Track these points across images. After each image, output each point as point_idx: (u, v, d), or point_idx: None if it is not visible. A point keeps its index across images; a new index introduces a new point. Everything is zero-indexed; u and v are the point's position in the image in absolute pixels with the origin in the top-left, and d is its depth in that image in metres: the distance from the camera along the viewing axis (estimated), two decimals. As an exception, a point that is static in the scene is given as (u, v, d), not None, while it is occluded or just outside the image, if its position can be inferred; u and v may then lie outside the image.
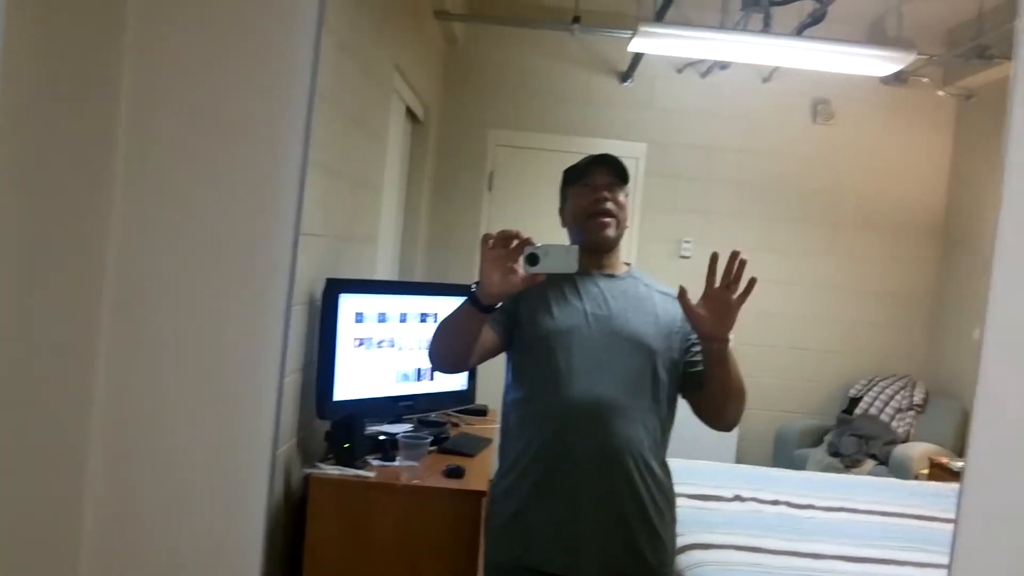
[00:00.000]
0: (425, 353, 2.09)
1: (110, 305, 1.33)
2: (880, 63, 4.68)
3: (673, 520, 2.09)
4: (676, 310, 2.06)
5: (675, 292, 2.09)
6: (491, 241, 1.81)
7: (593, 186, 2.09)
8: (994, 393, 1.08)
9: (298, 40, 1.31)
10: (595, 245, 2.08)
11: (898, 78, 5.26)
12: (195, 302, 1.35)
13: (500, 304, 1.91)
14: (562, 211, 2.19)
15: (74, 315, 1.32)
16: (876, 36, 5.24)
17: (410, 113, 4.59)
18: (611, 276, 2.12)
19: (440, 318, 2.03)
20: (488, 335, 2.01)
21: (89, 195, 1.32)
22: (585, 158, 2.15)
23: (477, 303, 1.87)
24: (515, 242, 1.81)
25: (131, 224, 1.33)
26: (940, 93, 5.44)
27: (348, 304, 2.72)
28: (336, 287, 2.69)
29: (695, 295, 1.98)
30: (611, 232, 2.09)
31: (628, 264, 2.20)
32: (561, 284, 2.05)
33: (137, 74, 1.32)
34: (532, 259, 1.81)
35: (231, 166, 1.33)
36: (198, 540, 1.36)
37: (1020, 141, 1.06)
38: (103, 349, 1.33)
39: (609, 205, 2.07)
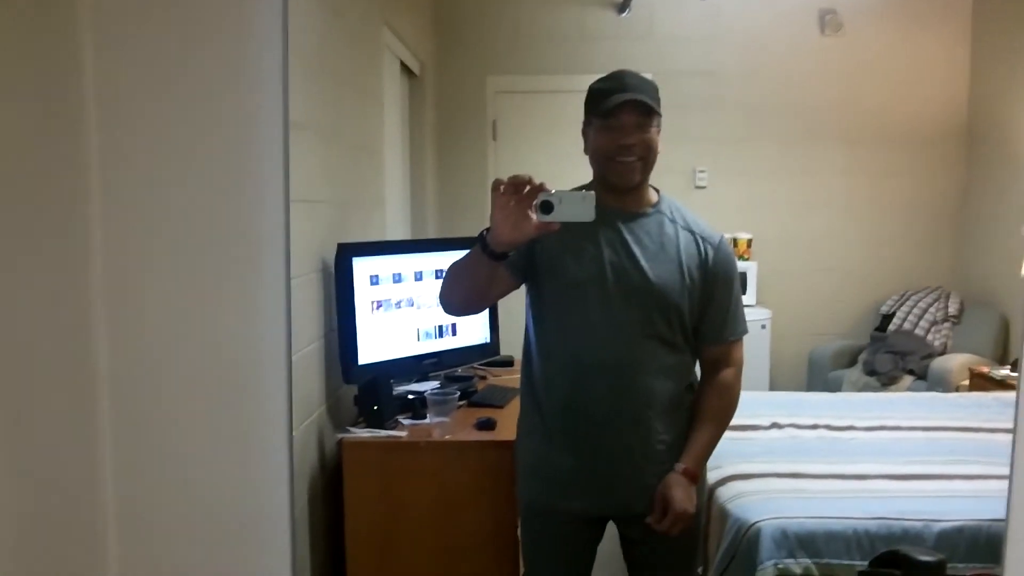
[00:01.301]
0: (437, 298, 2.03)
1: (101, 299, 1.29)
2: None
3: None
4: (701, 253, 1.98)
5: (707, 229, 2.02)
6: (502, 187, 1.70)
7: (618, 127, 1.91)
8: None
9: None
10: (617, 188, 1.95)
11: (906, -20, 5.09)
12: (188, 287, 1.29)
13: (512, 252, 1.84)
14: (585, 134, 2.01)
15: (63, 313, 1.28)
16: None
17: (405, 69, 4.49)
18: (635, 216, 1.98)
19: (453, 271, 1.98)
20: (501, 276, 1.93)
21: (64, 179, 1.27)
22: (610, 85, 1.93)
23: (488, 250, 1.80)
24: (527, 188, 1.70)
25: (112, 213, 1.27)
26: (952, -8, 5.26)
27: (362, 267, 2.68)
28: (348, 252, 2.65)
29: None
30: (636, 176, 1.95)
31: (657, 191, 2.04)
32: (580, 228, 1.88)
33: (104, 46, 1.26)
34: (546, 207, 1.70)
35: (208, 139, 1.27)
36: (222, 525, 1.32)
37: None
38: (100, 347, 1.28)
39: (635, 149, 1.91)
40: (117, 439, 1.30)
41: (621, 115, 1.91)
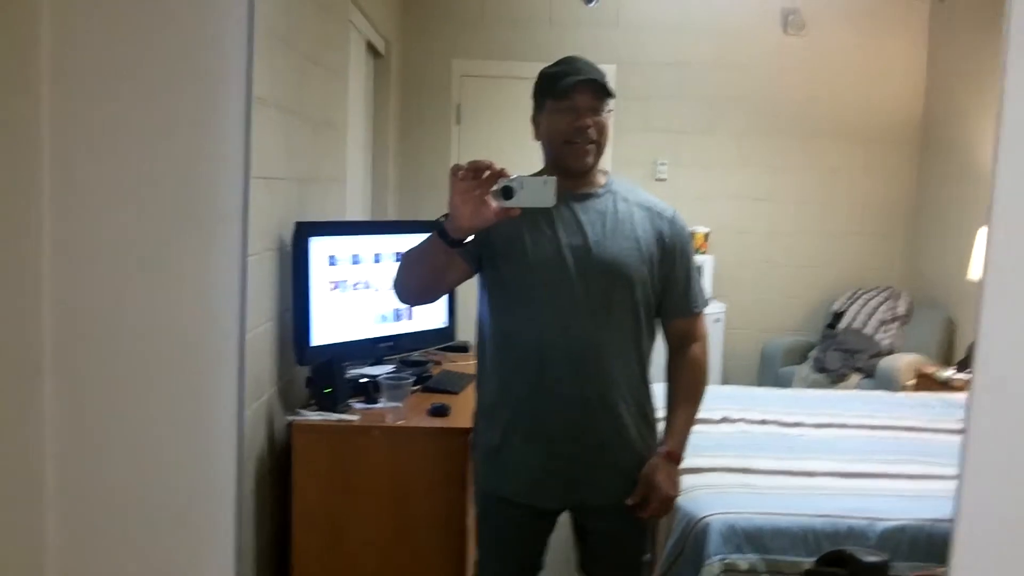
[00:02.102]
0: (392, 286, 2.01)
1: (49, 271, 1.24)
2: (851, -32, 4.56)
3: (656, 445, 2.06)
4: (656, 227, 1.99)
5: (659, 204, 2.03)
6: (461, 172, 1.69)
7: (573, 109, 1.91)
8: (1000, 299, 1.03)
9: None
10: (571, 171, 1.95)
11: (870, -17, 5.14)
12: (141, 260, 1.25)
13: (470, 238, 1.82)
14: (536, 121, 2.01)
15: (11, 288, 1.24)
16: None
17: (371, 48, 4.44)
18: (586, 196, 1.98)
19: (412, 255, 1.95)
20: (457, 264, 1.92)
21: (13, 148, 1.22)
22: (563, 68, 1.94)
23: (446, 236, 1.78)
24: (487, 173, 1.69)
25: (63, 182, 1.23)
26: (913, -4, 5.32)
27: (320, 247, 2.64)
28: (306, 231, 2.61)
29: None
30: (590, 159, 1.95)
31: (606, 173, 2.05)
32: (532, 211, 1.91)
33: (58, 11, 1.21)
34: (507, 192, 1.69)
35: (167, 110, 1.23)
36: (166, 505, 1.29)
37: (1019, 42, 0.98)
38: (46, 317, 1.24)
39: (591, 132, 1.92)
40: (60, 415, 1.26)
41: (576, 96, 1.91)
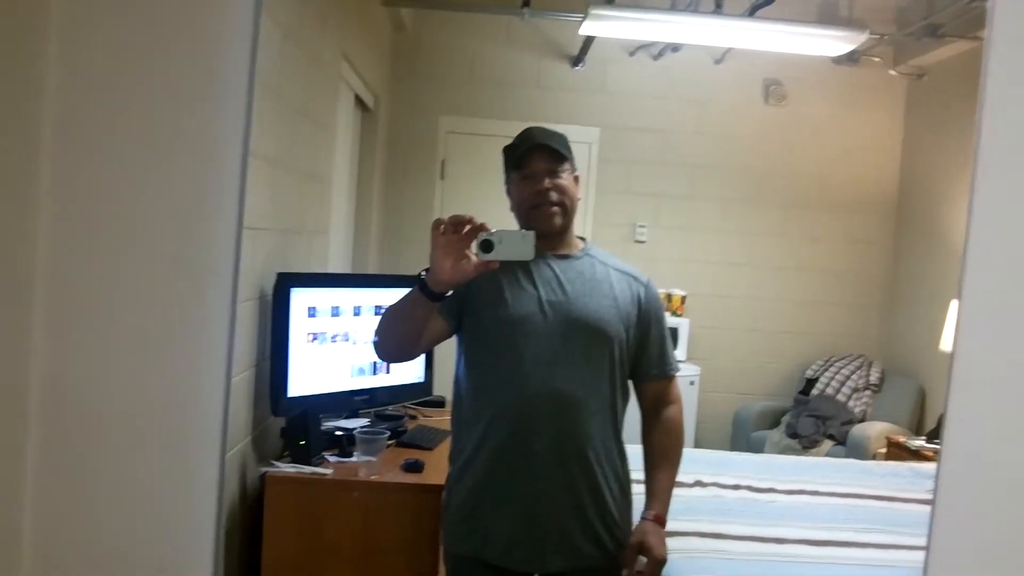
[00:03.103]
0: (371, 343, 2.03)
1: (42, 311, 1.25)
2: (832, 43, 4.70)
3: (630, 506, 2.07)
4: (633, 291, 2.04)
5: (634, 270, 2.08)
6: (443, 226, 1.74)
7: (531, 175, 1.99)
8: (969, 370, 1.06)
9: (236, 26, 1.24)
10: (543, 233, 1.99)
11: (850, 58, 5.29)
12: (134, 305, 1.27)
13: (451, 292, 1.85)
14: (509, 193, 2.09)
15: (3, 323, 1.24)
16: (827, 16, 5.25)
17: (359, 102, 4.50)
18: (565, 256, 2.03)
19: (393, 310, 1.97)
20: (436, 321, 1.95)
21: (13, 193, 1.24)
22: (519, 139, 2.03)
23: (426, 290, 1.81)
24: (468, 227, 1.74)
25: (61, 224, 1.25)
26: (892, 72, 5.47)
27: (300, 298, 2.65)
28: (287, 281, 2.62)
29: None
30: (558, 220, 2.00)
31: (583, 239, 2.11)
32: (513, 268, 1.94)
33: (63, 64, 1.24)
34: (486, 246, 1.74)
35: (168, 160, 1.26)
36: (147, 547, 1.29)
37: (992, 123, 1.03)
38: (37, 357, 1.25)
39: (551, 195, 1.98)
40: (46, 466, 1.26)
41: (531, 163, 1.99)
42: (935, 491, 1.09)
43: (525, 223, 2.02)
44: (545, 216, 1.99)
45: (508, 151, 2.06)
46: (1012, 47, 1.02)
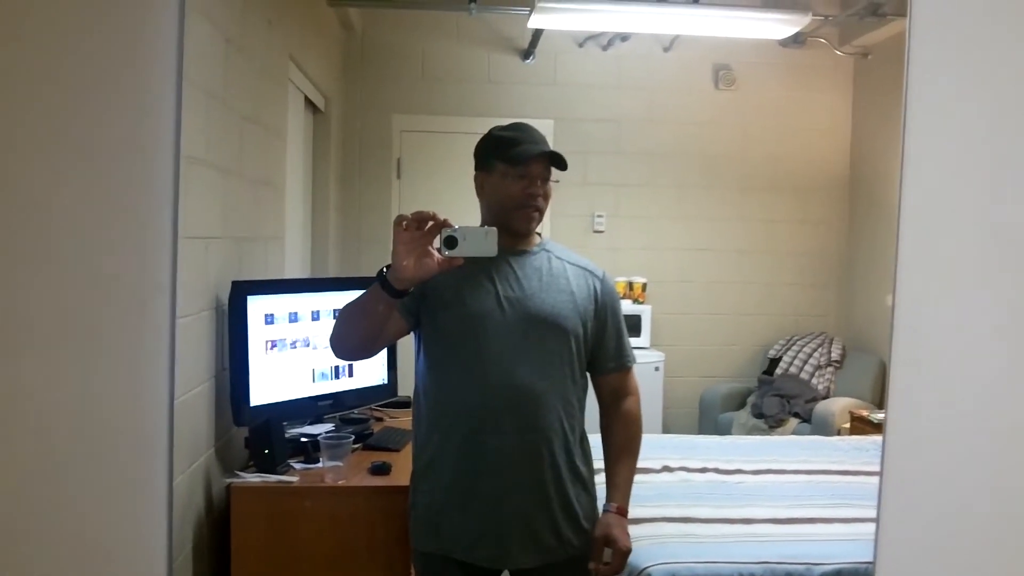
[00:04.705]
0: (328, 342, 2.02)
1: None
2: (777, 26, 4.74)
3: (595, 498, 2.09)
4: (589, 285, 2.05)
5: (590, 264, 2.09)
6: (405, 223, 1.74)
7: (529, 176, 1.98)
8: (908, 351, 1.08)
9: (160, 24, 1.21)
10: (515, 233, 2.01)
11: (796, 40, 5.33)
12: (69, 325, 1.24)
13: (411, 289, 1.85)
14: (480, 180, 2.06)
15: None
16: (772, 0, 5.30)
17: (310, 104, 4.46)
18: (523, 252, 2.04)
19: (351, 312, 1.96)
20: (394, 319, 1.95)
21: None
22: (522, 137, 2.00)
23: (387, 287, 1.80)
24: (431, 224, 1.74)
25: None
26: (838, 52, 5.53)
27: (257, 306, 2.63)
28: (243, 289, 2.59)
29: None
30: (534, 224, 2.04)
31: (539, 235, 2.12)
32: (471, 265, 1.92)
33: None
34: (450, 242, 1.74)
35: (94, 168, 1.23)
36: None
37: (918, 103, 1.05)
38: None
39: (540, 201, 2.00)
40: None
41: (532, 165, 1.98)
42: (882, 463, 1.12)
43: (502, 220, 1.99)
44: (526, 218, 2.01)
45: (502, 142, 2.01)
46: (932, 30, 1.04)
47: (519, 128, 2.04)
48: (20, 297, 1.23)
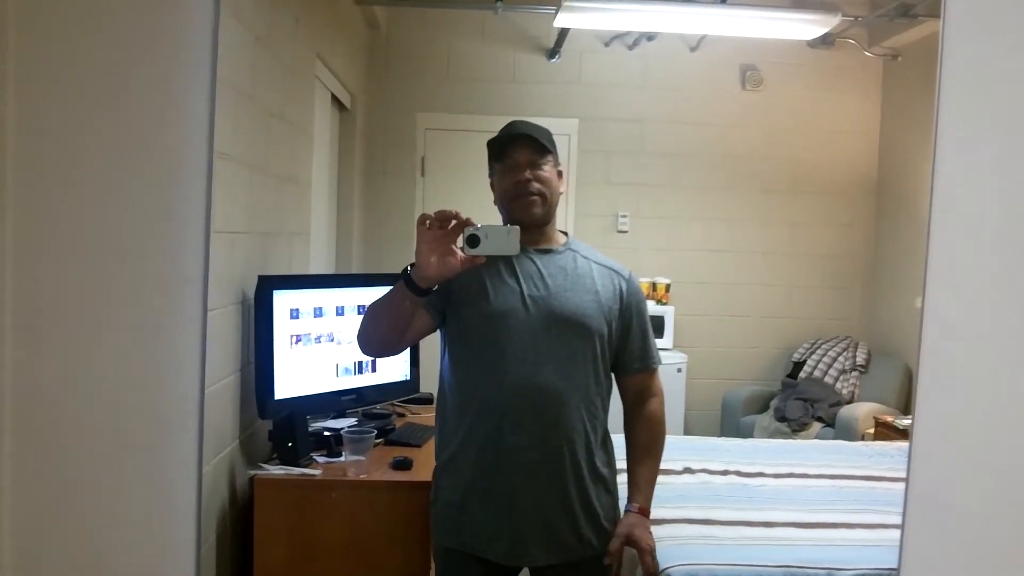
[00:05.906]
0: (355, 337, 2.03)
1: (11, 322, 1.25)
2: (806, 26, 4.71)
3: (616, 499, 2.09)
4: (615, 285, 2.05)
5: (616, 264, 2.09)
6: (428, 222, 1.75)
7: (513, 166, 2.00)
8: (936, 356, 1.07)
9: (196, 25, 1.23)
10: (523, 224, 2.00)
11: (824, 41, 5.30)
12: (103, 313, 1.26)
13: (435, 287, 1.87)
14: (492, 186, 2.10)
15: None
16: (801, 0, 5.27)
17: (336, 101, 4.49)
18: (547, 251, 2.04)
19: (376, 308, 1.97)
20: (421, 316, 1.96)
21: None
22: (503, 131, 2.05)
23: (412, 286, 1.81)
24: (453, 223, 1.76)
25: (26, 236, 1.24)
26: (867, 54, 5.49)
27: (282, 301, 2.65)
28: (269, 284, 2.61)
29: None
30: (537, 210, 2.01)
31: (565, 234, 2.12)
32: (496, 263, 1.96)
33: (25, 71, 1.23)
34: (473, 240, 1.76)
35: (132, 166, 1.25)
36: (127, 560, 1.29)
37: (950, 106, 1.04)
38: (8, 370, 1.24)
39: (532, 185, 1.99)
40: (19, 477, 1.25)
41: (514, 153, 2.00)
42: (908, 471, 1.11)
43: (507, 214, 2.03)
44: (525, 206, 2.00)
45: (491, 143, 2.07)
46: (966, 33, 1.03)
47: (507, 126, 2.07)
48: (60, 290, 1.25)
